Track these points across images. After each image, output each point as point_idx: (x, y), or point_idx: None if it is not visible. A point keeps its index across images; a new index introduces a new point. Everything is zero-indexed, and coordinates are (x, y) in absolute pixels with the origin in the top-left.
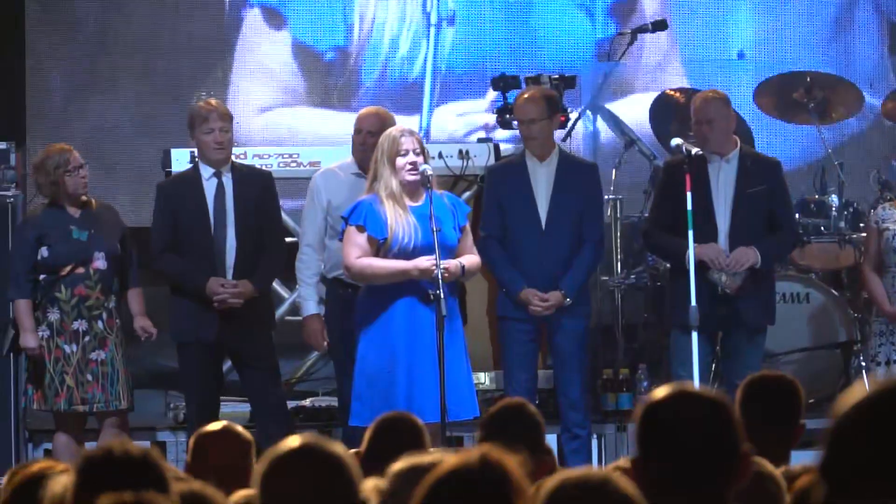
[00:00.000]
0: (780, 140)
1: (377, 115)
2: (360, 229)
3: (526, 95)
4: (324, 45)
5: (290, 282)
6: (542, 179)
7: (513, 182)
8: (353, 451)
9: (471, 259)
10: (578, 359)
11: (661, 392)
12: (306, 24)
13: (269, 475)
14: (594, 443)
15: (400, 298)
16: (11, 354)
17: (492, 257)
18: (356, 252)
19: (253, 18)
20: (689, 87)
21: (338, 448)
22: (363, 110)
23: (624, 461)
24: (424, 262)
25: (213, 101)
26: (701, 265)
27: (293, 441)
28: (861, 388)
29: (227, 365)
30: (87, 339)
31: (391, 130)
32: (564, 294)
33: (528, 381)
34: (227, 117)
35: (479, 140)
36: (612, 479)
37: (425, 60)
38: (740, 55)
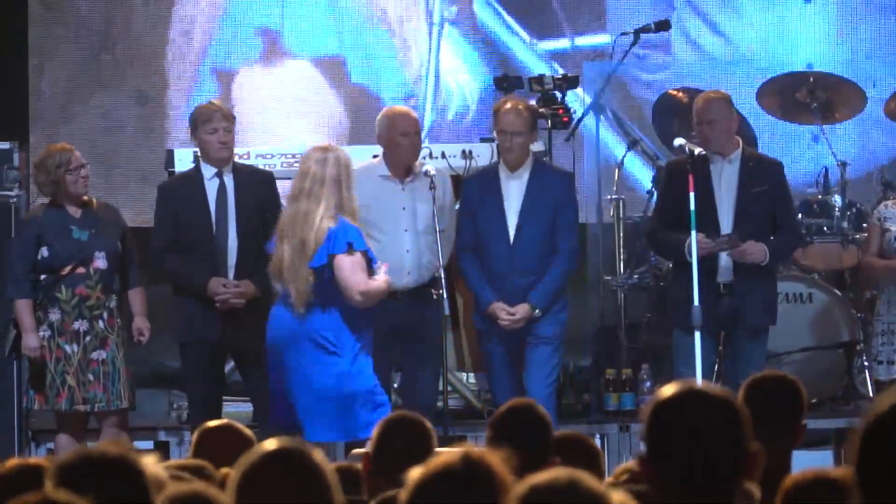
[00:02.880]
0: (783, 140)
1: (411, 114)
2: (365, 255)
3: (509, 106)
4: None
5: None
6: (513, 191)
7: (485, 193)
8: (360, 451)
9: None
10: (548, 365)
11: (668, 390)
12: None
13: (244, 479)
14: (597, 443)
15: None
16: (14, 355)
17: (466, 271)
18: (366, 276)
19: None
20: (692, 86)
21: (314, 452)
22: (395, 111)
23: (633, 464)
24: (386, 275)
25: (215, 102)
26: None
27: (269, 445)
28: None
29: (230, 365)
30: (88, 338)
31: (340, 153)
32: (533, 306)
33: (511, 389)
34: (231, 118)
35: (482, 140)
36: (580, 479)
37: (428, 61)
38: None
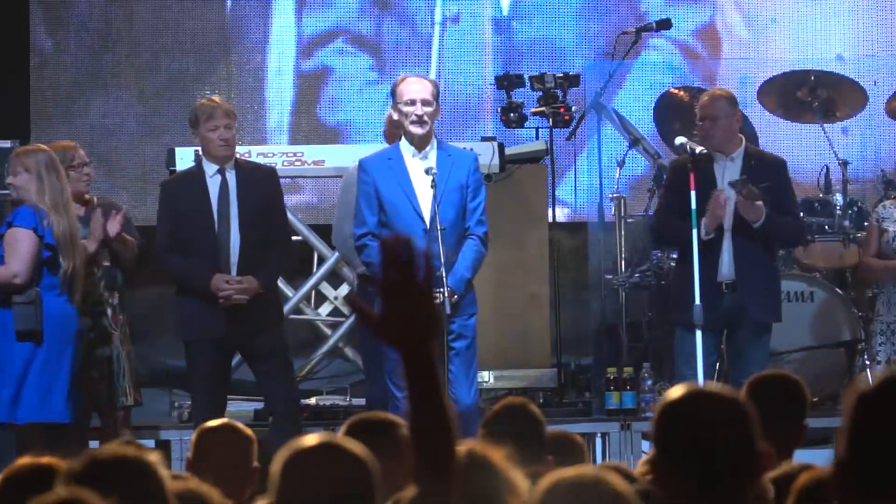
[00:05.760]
0: (784, 139)
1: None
2: None
3: (411, 78)
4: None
5: (294, 280)
6: (420, 171)
7: (391, 176)
8: None
9: None
10: (465, 360)
11: (677, 392)
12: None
13: (289, 472)
14: (598, 441)
15: None
16: None
17: (373, 259)
18: None
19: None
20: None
21: (357, 447)
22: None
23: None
24: None
25: (216, 99)
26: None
27: (312, 439)
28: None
29: (234, 362)
30: (91, 335)
31: None
32: (452, 291)
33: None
34: (232, 115)
35: (484, 139)
36: (605, 477)
37: (429, 59)
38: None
